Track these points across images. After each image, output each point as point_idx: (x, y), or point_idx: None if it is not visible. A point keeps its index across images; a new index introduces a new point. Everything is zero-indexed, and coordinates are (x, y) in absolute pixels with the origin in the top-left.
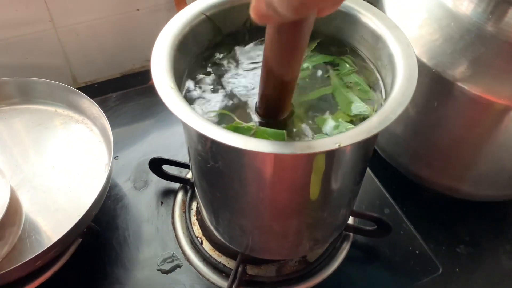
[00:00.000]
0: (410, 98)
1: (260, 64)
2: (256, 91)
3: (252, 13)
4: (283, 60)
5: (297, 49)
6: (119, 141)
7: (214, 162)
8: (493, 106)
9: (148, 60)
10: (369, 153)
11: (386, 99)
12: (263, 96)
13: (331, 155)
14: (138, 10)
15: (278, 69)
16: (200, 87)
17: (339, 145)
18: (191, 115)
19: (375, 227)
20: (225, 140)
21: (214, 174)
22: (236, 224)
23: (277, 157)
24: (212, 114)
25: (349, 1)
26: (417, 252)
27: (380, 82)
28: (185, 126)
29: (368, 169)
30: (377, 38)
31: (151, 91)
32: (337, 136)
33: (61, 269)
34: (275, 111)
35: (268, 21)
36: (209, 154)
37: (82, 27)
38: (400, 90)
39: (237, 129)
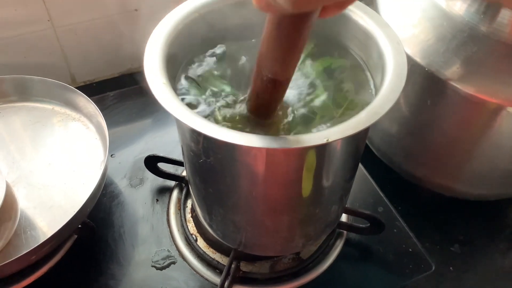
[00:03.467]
0: (399, 94)
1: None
2: (246, 83)
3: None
4: (278, 57)
5: (294, 48)
6: (116, 139)
7: (206, 157)
8: (486, 105)
9: None
10: (360, 149)
11: (375, 95)
12: (253, 94)
13: (321, 150)
14: (136, 10)
15: (272, 66)
16: (194, 83)
17: (327, 140)
18: (182, 110)
19: (369, 224)
20: (215, 134)
21: (206, 169)
22: (229, 220)
23: (267, 151)
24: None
25: None
26: (410, 250)
27: (371, 81)
28: (177, 122)
29: (362, 167)
30: (368, 36)
31: (148, 90)
32: (326, 131)
33: (56, 265)
34: (264, 111)
35: (268, 9)
36: (201, 149)
37: (80, 26)
38: (390, 86)
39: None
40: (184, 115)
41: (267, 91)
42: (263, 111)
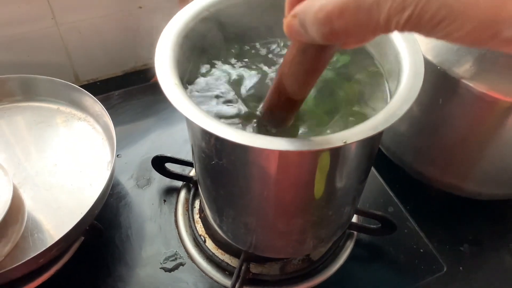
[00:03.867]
0: (417, 94)
1: (265, 66)
2: (258, 91)
3: (285, 28)
4: (300, 79)
5: (316, 72)
6: (121, 139)
7: (218, 159)
8: (498, 103)
9: (151, 58)
10: (375, 151)
11: (392, 96)
12: (269, 108)
13: (336, 153)
14: (140, 7)
15: (291, 86)
16: (203, 84)
17: (345, 142)
18: (195, 112)
19: (380, 225)
20: (229, 136)
21: (218, 171)
22: (240, 222)
23: (282, 154)
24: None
25: None
26: (421, 250)
27: (385, 81)
28: (189, 123)
29: (372, 167)
30: (382, 35)
31: (153, 89)
32: (343, 132)
33: (63, 267)
34: (278, 123)
35: (298, 38)
36: (213, 151)
37: (84, 24)
38: (407, 86)
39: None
40: (198, 117)
41: (283, 108)
42: (276, 122)
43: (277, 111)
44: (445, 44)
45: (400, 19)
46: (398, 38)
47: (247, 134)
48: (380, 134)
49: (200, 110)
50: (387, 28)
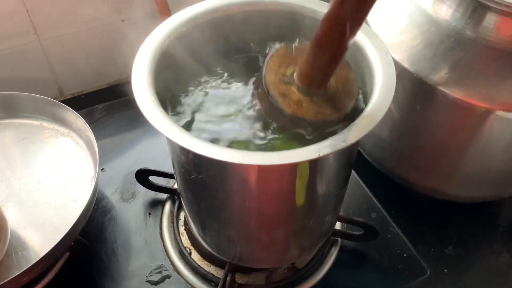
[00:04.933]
0: (388, 107)
1: (247, 88)
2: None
3: None
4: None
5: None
6: (106, 152)
7: (197, 173)
8: (474, 109)
9: None
10: (352, 159)
11: (365, 106)
12: (309, 67)
13: (313, 164)
14: (123, 20)
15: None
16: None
17: (319, 155)
18: (172, 128)
19: (363, 232)
20: (206, 152)
21: (198, 185)
22: (223, 234)
23: (259, 167)
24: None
25: None
26: (404, 255)
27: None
28: (168, 139)
29: (354, 173)
30: (356, 47)
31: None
32: (316, 145)
33: (49, 284)
34: (317, 82)
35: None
36: (192, 166)
37: (67, 38)
38: (379, 98)
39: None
40: (174, 133)
41: (323, 62)
42: (315, 82)
43: (318, 67)
44: (421, 52)
45: None
46: (371, 51)
47: (224, 150)
48: (355, 144)
49: (177, 126)
50: None
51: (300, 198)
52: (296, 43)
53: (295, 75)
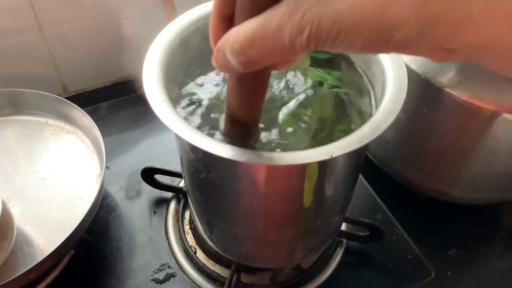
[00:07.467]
0: (401, 107)
1: None
2: None
3: (213, 62)
4: (245, 106)
5: (258, 96)
6: (111, 150)
7: (207, 173)
8: (481, 111)
9: (138, 69)
10: (361, 161)
11: (377, 108)
12: (227, 131)
13: (323, 165)
14: (127, 18)
15: (240, 113)
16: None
17: (331, 156)
18: (184, 128)
19: (368, 233)
20: (217, 151)
21: (207, 184)
22: (230, 234)
23: (270, 168)
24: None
25: None
26: (409, 256)
27: (371, 92)
28: (178, 138)
29: (360, 175)
30: None
31: (142, 99)
32: (329, 146)
33: (54, 281)
34: (240, 142)
35: (227, 71)
36: (202, 165)
37: (71, 36)
38: (391, 99)
39: None
40: (186, 132)
41: (239, 131)
42: (238, 142)
43: (236, 133)
44: None
45: (301, 40)
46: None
47: (235, 149)
48: (366, 146)
49: (188, 125)
50: (293, 49)
51: (308, 198)
52: None
53: None
